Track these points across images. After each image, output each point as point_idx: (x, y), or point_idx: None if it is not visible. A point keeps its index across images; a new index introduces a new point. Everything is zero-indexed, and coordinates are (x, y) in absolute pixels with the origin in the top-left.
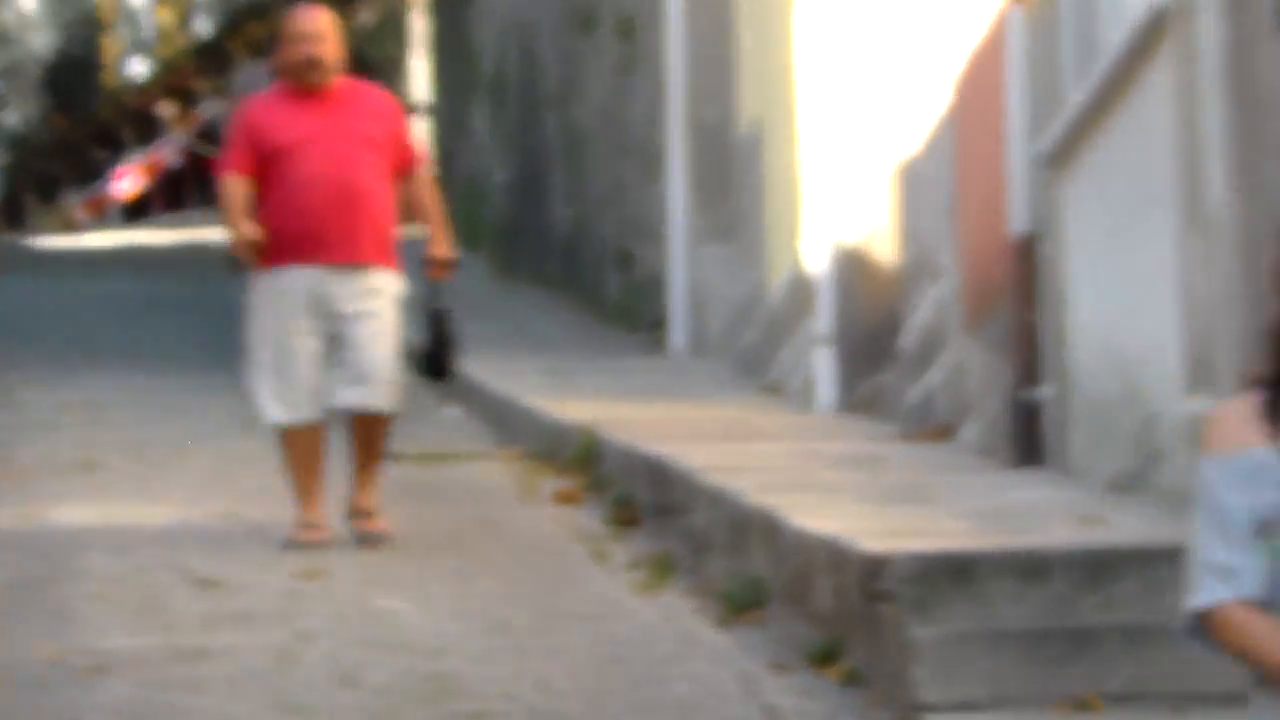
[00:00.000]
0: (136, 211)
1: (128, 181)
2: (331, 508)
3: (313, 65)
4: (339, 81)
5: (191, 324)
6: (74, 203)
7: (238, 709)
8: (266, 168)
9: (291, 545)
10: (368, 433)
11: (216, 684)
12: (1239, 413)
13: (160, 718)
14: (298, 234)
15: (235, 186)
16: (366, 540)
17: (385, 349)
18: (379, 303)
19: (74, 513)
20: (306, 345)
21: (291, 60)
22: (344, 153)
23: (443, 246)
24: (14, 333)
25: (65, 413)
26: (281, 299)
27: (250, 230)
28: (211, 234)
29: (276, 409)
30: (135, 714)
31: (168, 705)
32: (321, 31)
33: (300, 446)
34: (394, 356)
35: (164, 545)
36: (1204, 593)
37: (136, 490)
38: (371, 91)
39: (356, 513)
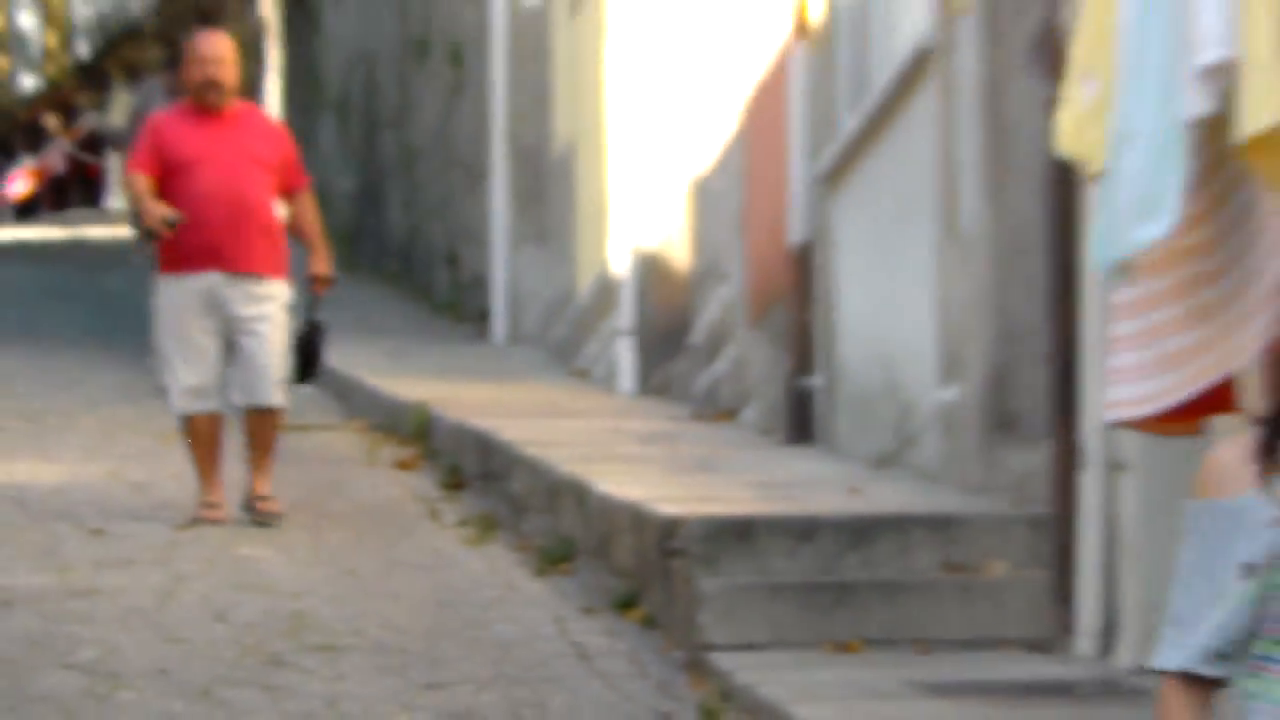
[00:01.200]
0: (26, 211)
1: (19, 184)
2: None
3: (213, 86)
4: (235, 103)
5: (81, 309)
6: None
7: (125, 639)
8: (168, 178)
9: (195, 524)
10: (261, 426)
11: (107, 618)
12: (1232, 456)
13: (60, 645)
14: (196, 243)
15: (142, 180)
16: (264, 522)
17: (275, 352)
18: (270, 308)
19: None
20: (207, 344)
21: (194, 80)
22: (238, 170)
23: (324, 264)
24: None
25: None
26: (183, 303)
27: (163, 208)
28: (93, 231)
29: (181, 400)
30: (37, 641)
31: (65, 635)
32: (222, 56)
33: (202, 434)
34: (282, 358)
35: (59, 498)
36: (1162, 652)
37: (35, 451)
38: (263, 116)
39: (254, 497)
